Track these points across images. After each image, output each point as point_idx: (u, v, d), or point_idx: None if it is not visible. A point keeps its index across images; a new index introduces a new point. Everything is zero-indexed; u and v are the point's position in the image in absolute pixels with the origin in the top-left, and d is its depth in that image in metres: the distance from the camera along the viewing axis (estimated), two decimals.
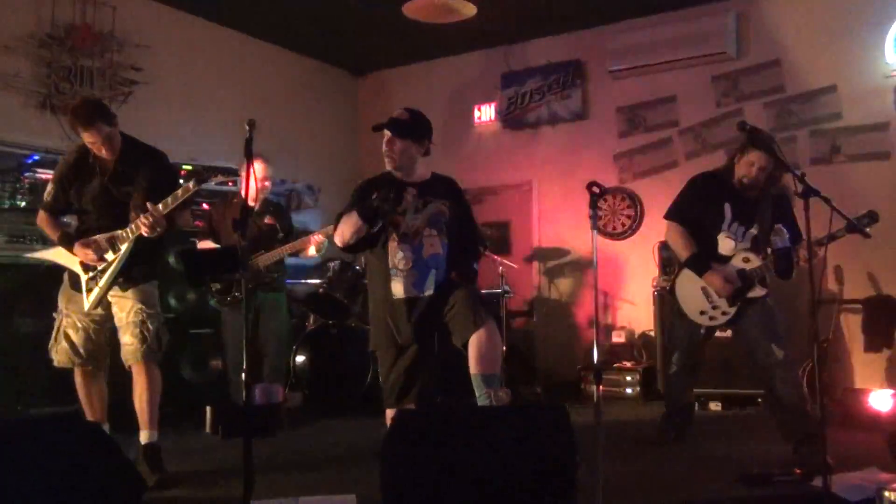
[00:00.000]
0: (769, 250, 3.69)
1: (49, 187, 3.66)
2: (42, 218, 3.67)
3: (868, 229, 3.45)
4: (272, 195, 5.37)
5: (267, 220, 4.89)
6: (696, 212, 3.91)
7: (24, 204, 4.75)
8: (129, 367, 3.55)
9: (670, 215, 4.00)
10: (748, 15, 6.12)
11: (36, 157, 4.90)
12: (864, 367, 5.35)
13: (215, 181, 3.42)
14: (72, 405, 3.84)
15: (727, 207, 3.81)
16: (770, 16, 6.04)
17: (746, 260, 3.74)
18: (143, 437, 3.51)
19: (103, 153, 3.49)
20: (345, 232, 3.36)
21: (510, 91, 7.15)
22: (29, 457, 2.31)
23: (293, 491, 3.11)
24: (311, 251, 4.75)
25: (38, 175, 4.84)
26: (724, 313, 3.78)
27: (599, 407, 2.53)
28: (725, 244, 3.81)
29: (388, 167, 3.49)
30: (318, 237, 4.69)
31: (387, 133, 3.44)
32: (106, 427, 3.58)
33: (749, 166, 3.72)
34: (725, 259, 3.79)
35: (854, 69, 5.68)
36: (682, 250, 3.92)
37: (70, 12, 5.42)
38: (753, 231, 3.79)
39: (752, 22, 6.11)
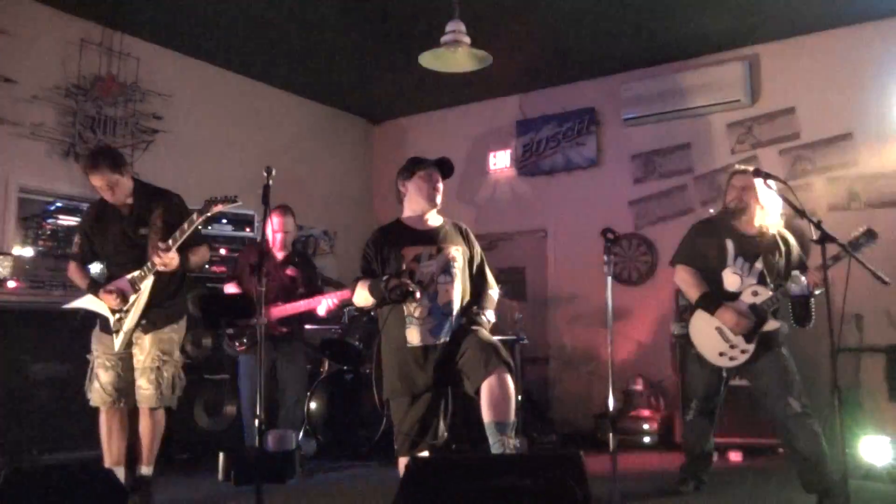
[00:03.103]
0: (781, 290, 3.67)
1: (76, 238, 3.92)
2: (72, 269, 3.91)
3: (868, 247, 3.46)
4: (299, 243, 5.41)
5: (289, 271, 4.91)
6: (700, 252, 3.93)
7: (45, 250, 4.81)
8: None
9: (676, 260, 4.04)
10: (761, 63, 6.17)
11: (59, 205, 4.98)
12: (888, 416, 5.23)
13: (214, 210, 3.56)
14: (86, 451, 3.87)
15: (729, 243, 3.84)
16: (783, 64, 6.09)
17: (755, 294, 3.73)
18: (140, 469, 3.78)
19: (110, 198, 3.73)
20: (360, 302, 3.48)
21: (525, 138, 7.22)
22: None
23: None
24: (321, 311, 4.74)
25: (59, 221, 4.91)
26: (743, 351, 3.72)
27: (616, 455, 2.50)
28: (732, 280, 3.80)
29: (430, 206, 3.53)
30: (330, 303, 4.68)
31: (434, 173, 3.52)
32: (121, 471, 3.69)
33: (736, 191, 3.87)
34: (734, 296, 3.77)
35: (870, 116, 5.70)
36: (692, 290, 3.91)
37: (96, 64, 5.57)
38: (759, 266, 3.78)
39: (765, 70, 6.15)
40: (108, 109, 5.60)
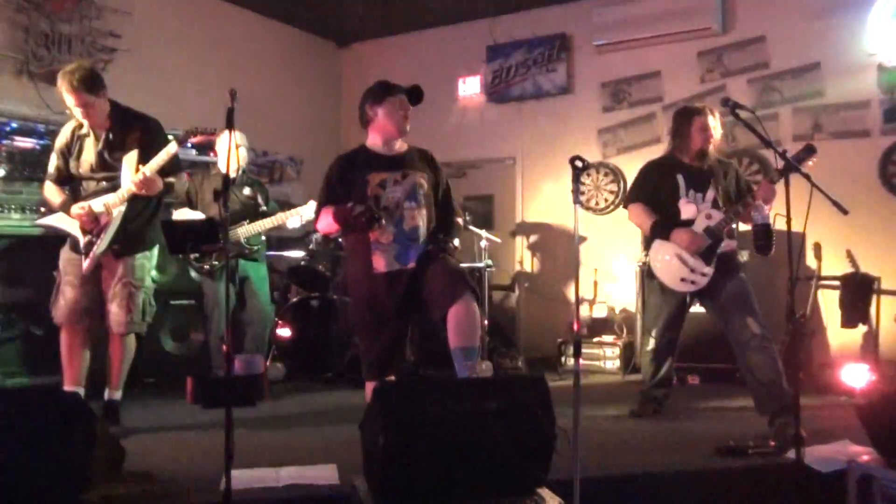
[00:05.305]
0: (733, 209, 3.80)
1: (52, 158, 3.86)
2: (47, 188, 3.88)
3: (810, 163, 3.50)
4: (254, 166, 5.34)
5: (247, 192, 4.88)
6: (651, 190, 4.04)
7: (1, 172, 4.67)
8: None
9: (629, 199, 4.16)
10: None
11: (14, 125, 4.81)
12: (840, 343, 5.42)
13: (193, 141, 3.56)
14: (49, 376, 3.86)
15: (680, 178, 3.95)
16: None
17: (709, 217, 3.85)
18: (108, 394, 3.86)
19: (86, 119, 3.67)
20: (324, 228, 3.51)
21: (495, 64, 7.11)
22: (7, 427, 2.30)
23: (274, 461, 3.12)
24: (293, 224, 4.74)
25: (15, 143, 4.75)
26: (703, 274, 3.85)
27: (578, 379, 2.55)
28: (687, 209, 3.92)
29: (400, 134, 3.49)
30: (302, 213, 4.67)
31: (405, 100, 3.45)
32: (81, 391, 3.69)
33: (704, 131, 3.90)
34: (690, 223, 3.89)
35: (837, 47, 5.70)
36: (645, 223, 4.03)
37: None
38: (710, 194, 3.91)
39: None
40: (62, 26, 5.36)
